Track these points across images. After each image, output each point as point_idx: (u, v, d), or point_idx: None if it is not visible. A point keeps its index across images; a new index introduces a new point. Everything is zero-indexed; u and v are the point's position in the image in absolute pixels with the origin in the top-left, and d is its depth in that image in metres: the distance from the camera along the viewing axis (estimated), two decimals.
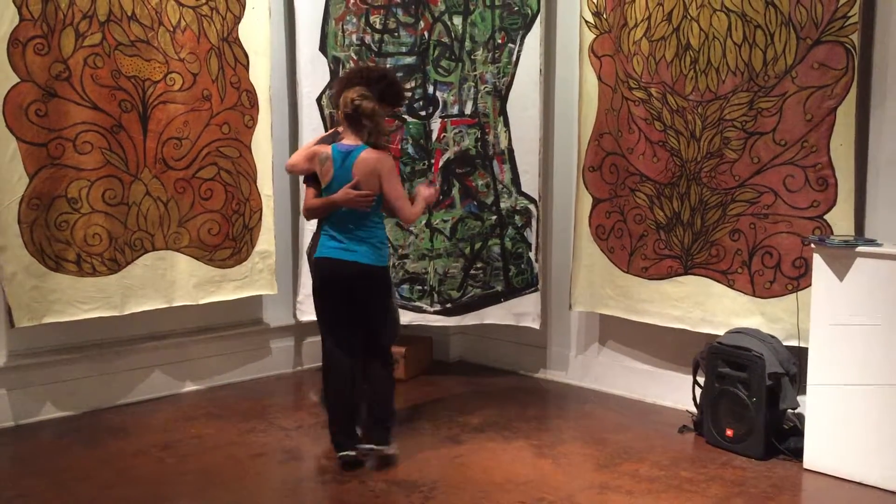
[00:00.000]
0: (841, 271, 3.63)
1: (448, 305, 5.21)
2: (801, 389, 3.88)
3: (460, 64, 5.13)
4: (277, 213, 5.21)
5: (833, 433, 3.68)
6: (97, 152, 4.43)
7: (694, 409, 4.32)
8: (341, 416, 3.83)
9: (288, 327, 5.47)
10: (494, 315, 5.21)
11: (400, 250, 5.19)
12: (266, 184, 5.11)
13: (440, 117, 5.14)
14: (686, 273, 4.49)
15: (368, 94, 3.72)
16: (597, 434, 4.26)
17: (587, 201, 4.88)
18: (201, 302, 4.91)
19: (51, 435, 4.24)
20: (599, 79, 4.76)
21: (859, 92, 3.86)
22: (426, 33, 5.15)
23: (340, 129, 3.98)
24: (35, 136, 4.22)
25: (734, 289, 4.30)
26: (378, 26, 5.17)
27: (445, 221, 5.16)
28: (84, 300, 4.43)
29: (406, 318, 5.21)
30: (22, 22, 4.14)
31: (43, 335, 4.42)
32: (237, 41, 4.95)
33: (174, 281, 4.78)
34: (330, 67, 5.21)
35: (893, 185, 3.87)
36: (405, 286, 5.22)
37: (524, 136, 5.07)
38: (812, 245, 3.75)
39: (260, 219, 5.12)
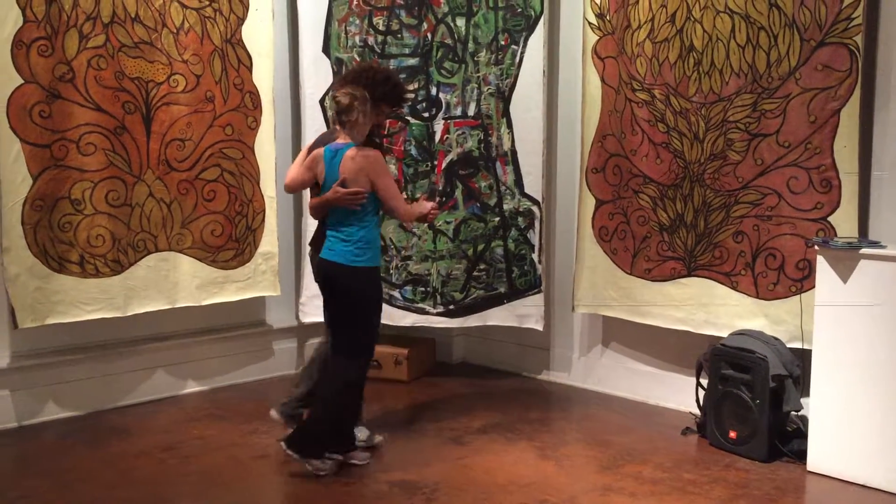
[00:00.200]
0: (845, 273, 3.63)
1: (451, 307, 5.20)
2: (805, 391, 3.87)
3: (463, 65, 5.13)
4: (280, 215, 5.21)
5: (837, 435, 3.67)
6: (101, 154, 4.44)
7: (697, 411, 4.31)
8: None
9: (291, 328, 5.47)
10: (497, 317, 5.21)
11: (403, 252, 5.19)
12: (269, 185, 5.12)
13: (443, 119, 5.14)
14: (689, 275, 4.48)
15: (351, 91, 3.67)
16: (600, 436, 4.26)
17: (590, 203, 4.87)
18: (204, 303, 4.92)
19: (54, 435, 4.25)
20: (603, 80, 4.76)
21: (863, 94, 3.85)
22: (429, 35, 5.15)
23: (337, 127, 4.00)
24: (39, 138, 4.23)
25: (737, 291, 4.29)
26: (381, 28, 5.18)
27: (448, 223, 5.16)
28: (87, 301, 4.43)
29: (409, 319, 5.21)
30: (26, 23, 4.15)
31: (46, 336, 4.42)
32: (240, 43, 4.96)
33: (177, 282, 4.79)
34: (333, 69, 5.21)
35: None
36: (408, 288, 5.22)
37: (527, 137, 5.07)
38: (816, 247, 3.74)
39: (263, 220, 5.12)
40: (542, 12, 4.96)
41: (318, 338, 5.55)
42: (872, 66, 3.90)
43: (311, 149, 3.93)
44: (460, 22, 5.11)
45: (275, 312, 5.43)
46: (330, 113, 5.18)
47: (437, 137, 5.15)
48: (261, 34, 5.04)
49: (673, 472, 3.75)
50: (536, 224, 5.10)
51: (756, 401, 3.88)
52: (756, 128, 4.15)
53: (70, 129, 4.32)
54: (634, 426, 4.42)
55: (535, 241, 5.12)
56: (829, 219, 3.96)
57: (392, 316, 5.18)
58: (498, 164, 5.13)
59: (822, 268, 3.69)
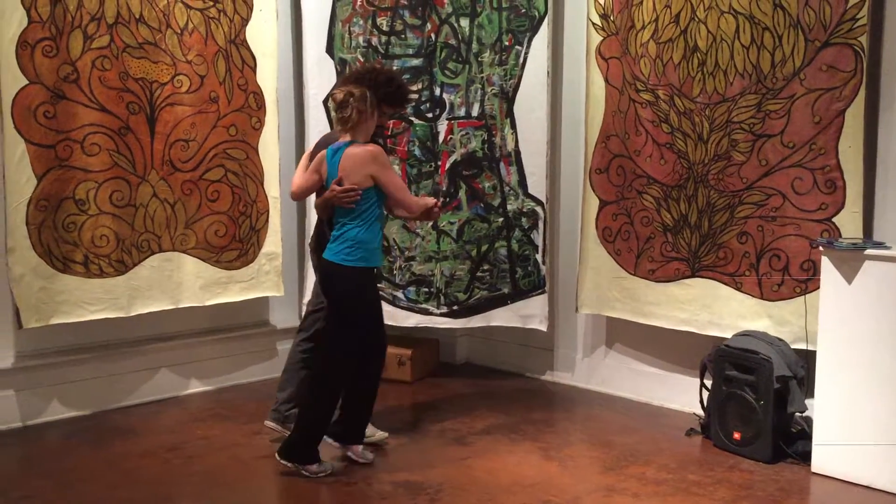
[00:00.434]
0: (849, 274, 3.62)
1: (455, 307, 5.20)
2: (809, 392, 3.86)
3: (467, 66, 5.13)
4: (284, 215, 5.21)
5: (841, 436, 3.66)
6: (105, 154, 4.44)
7: (701, 412, 4.31)
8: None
9: (294, 329, 5.45)
10: (501, 317, 5.20)
11: (407, 252, 5.19)
12: (273, 185, 5.12)
13: (447, 119, 5.14)
14: (693, 275, 4.47)
15: (348, 89, 3.65)
16: (603, 437, 4.25)
17: (594, 203, 4.87)
18: (208, 303, 4.92)
19: (58, 435, 4.25)
20: (606, 81, 4.75)
21: (868, 94, 3.85)
22: (433, 35, 5.15)
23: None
24: (43, 138, 4.24)
25: (742, 291, 4.28)
26: (385, 28, 5.18)
27: (452, 223, 5.16)
28: (91, 301, 4.44)
29: (412, 320, 5.21)
30: (30, 24, 4.16)
31: (50, 336, 4.43)
32: (244, 43, 4.96)
33: (181, 282, 4.79)
34: (337, 69, 5.22)
35: None
36: (412, 288, 5.22)
37: (531, 138, 5.07)
38: (820, 248, 3.73)
39: (267, 220, 5.13)
40: (545, 13, 4.96)
41: None
42: (877, 66, 3.89)
43: (313, 153, 3.94)
44: (464, 22, 5.11)
45: (278, 313, 5.43)
46: (333, 114, 5.19)
47: (441, 138, 5.15)
48: (265, 35, 5.04)
49: (677, 474, 3.75)
50: (540, 225, 5.10)
51: (760, 402, 3.87)
52: (760, 128, 4.15)
53: (74, 129, 4.33)
54: (638, 427, 4.41)
55: (539, 241, 5.12)
56: (834, 219, 3.95)
57: (395, 316, 5.18)
58: (502, 164, 5.13)
59: (827, 269, 3.68)
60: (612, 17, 4.69)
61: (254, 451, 4.02)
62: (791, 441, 3.92)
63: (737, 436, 3.98)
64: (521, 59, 5.05)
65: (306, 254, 5.28)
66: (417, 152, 5.16)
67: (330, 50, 5.22)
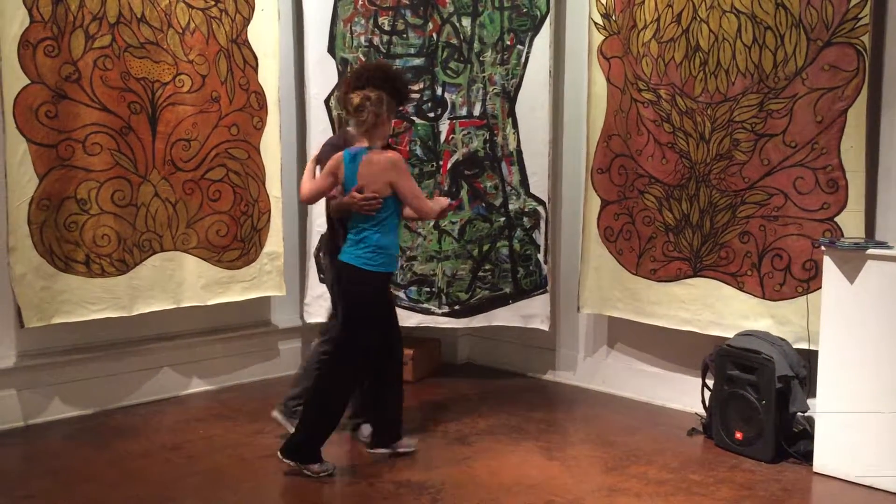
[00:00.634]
0: (851, 274, 3.62)
1: (456, 307, 5.20)
2: (811, 392, 3.86)
3: (469, 65, 5.13)
4: (286, 215, 5.21)
5: (843, 436, 3.65)
6: (106, 154, 4.44)
7: (703, 412, 4.30)
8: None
9: (296, 328, 5.48)
10: (503, 317, 5.20)
11: (408, 252, 5.19)
12: (274, 185, 5.12)
13: (448, 119, 5.13)
14: (695, 275, 4.47)
15: (365, 92, 3.66)
16: (605, 436, 4.25)
17: (596, 203, 4.86)
18: (209, 303, 4.92)
19: (60, 435, 4.26)
20: (608, 80, 4.75)
21: (870, 93, 3.84)
22: (435, 35, 5.15)
23: (350, 129, 3.99)
24: (45, 138, 4.24)
25: (744, 291, 4.28)
26: (386, 28, 5.18)
27: (454, 223, 5.16)
28: (93, 301, 4.44)
29: (414, 319, 5.20)
30: (32, 24, 4.16)
31: (52, 335, 4.43)
32: (246, 43, 4.96)
33: (182, 282, 4.79)
34: (338, 69, 5.21)
35: None
36: (413, 288, 5.22)
37: (533, 137, 5.07)
38: (822, 247, 3.73)
39: (268, 220, 5.13)
40: (547, 12, 4.96)
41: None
42: (879, 65, 3.89)
43: (319, 157, 3.94)
44: (466, 22, 5.11)
45: (280, 312, 5.43)
46: (335, 113, 5.19)
47: (443, 137, 5.15)
48: (266, 34, 5.04)
49: (679, 473, 3.75)
50: (542, 224, 5.10)
51: (762, 402, 3.87)
52: (762, 128, 4.14)
53: (76, 129, 4.33)
54: (640, 427, 4.41)
55: (541, 241, 5.11)
56: (836, 219, 3.95)
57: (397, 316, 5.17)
58: (503, 164, 5.13)
59: (829, 268, 3.68)
60: (613, 17, 4.69)
61: (255, 451, 4.02)
62: (793, 441, 3.91)
63: (739, 435, 3.97)
64: (523, 59, 5.05)
65: (308, 254, 5.28)
66: (419, 152, 5.15)
67: (331, 49, 5.22)
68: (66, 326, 4.42)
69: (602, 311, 4.94)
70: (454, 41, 5.13)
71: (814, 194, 4.01)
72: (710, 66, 4.30)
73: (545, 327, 5.13)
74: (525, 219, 5.11)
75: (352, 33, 5.19)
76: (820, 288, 3.79)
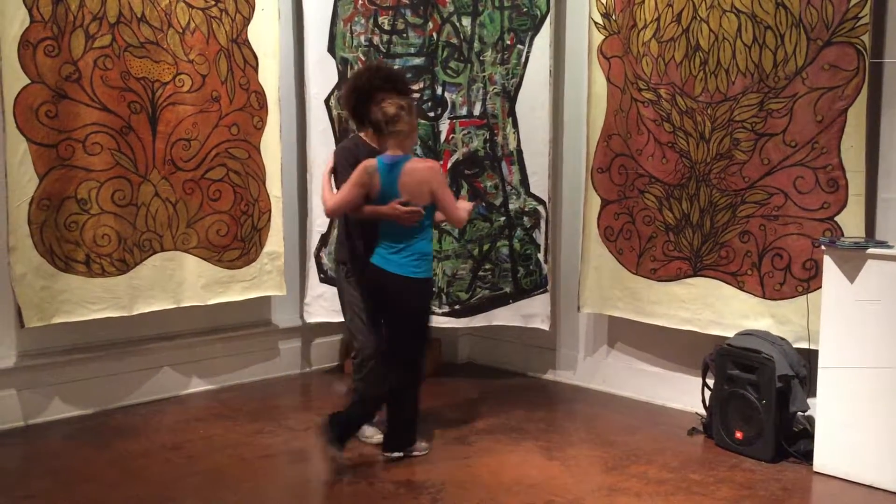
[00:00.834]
0: (851, 273, 3.61)
1: (456, 307, 5.20)
2: (811, 392, 3.86)
3: (469, 65, 5.13)
4: (286, 215, 5.21)
5: (843, 436, 3.65)
6: (106, 153, 4.44)
7: (703, 412, 4.30)
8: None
9: (296, 328, 5.48)
10: (503, 316, 5.20)
11: None
12: (275, 185, 5.12)
13: (449, 118, 5.13)
14: (695, 275, 4.47)
15: (398, 101, 3.71)
16: (605, 436, 4.25)
17: (596, 203, 4.86)
18: (209, 302, 4.92)
19: (60, 434, 4.26)
20: (608, 80, 4.75)
21: (870, 93, 3.84)
22: (435, 34, 5.15)
23: (363, 134, 4.03)
24: (45, 138, 4.24)
25: (744, 290, 4.28)
26: (386, 27, 5.18)
27: None
28: (93, 300, 4.44)
29: None
30: (32, 24, 4.16)
31: (52, 335, 4.43)
32: (246, 42, 4.96)
33: (182, 281, 4.79)
34: (338, 69, 5.22)
35: None
36: None
37: (533, 137, 5.07)
38: (822, 247, 3.73)
39: (269, 220, 5.12)
40: (547, 12, 4.96)
41: (321, 337, 5.58)
42: (879, 65, 3.88)
43: (335, 165, 3.94)
44: (466, 21, 5.11)
45: (280, 312, 5.43)
46: (335, 113, 5.19)
47: (443, 137, 5.15)
48: (266, 34, 5.04)
49: (679, 473, 3.75)
50: (542, 224, 5.10)
51: (762, 401, 3.87)
52: (762, 127, 4.14)
53: (76, 128, 4.33)
54: (640, 426, 4.41)
55: (541, 240, 5.11)
56: (836, 218, 3.95)
57: None
58: (503, 163, 5.13)
59: (829, 268, 3.68)
60: (613, 16, 4.69)
61: (255, 451, 4.02)
62: (793, 440, 3.91)
63: (739, 435, 3.97)
64: (523, 58, 5.05)
65: (308, 253, 5.28)
66: (419, 151, 5.15)
67: (331, 49, 5.22)
68: (67, 326, 4.42)
69: (602, 311, 4.94)
70: (454, 41, 5.13)
71: (814, 194, 4.01)
72: (711, 66, 4.30)
73: (545, 327, 5.13)
74: (525, 218, 5.11)
75: (352, 33, 5.19)
76: (820, 287, 3.79)
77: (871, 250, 3.58)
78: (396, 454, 3.88)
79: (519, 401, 4.86)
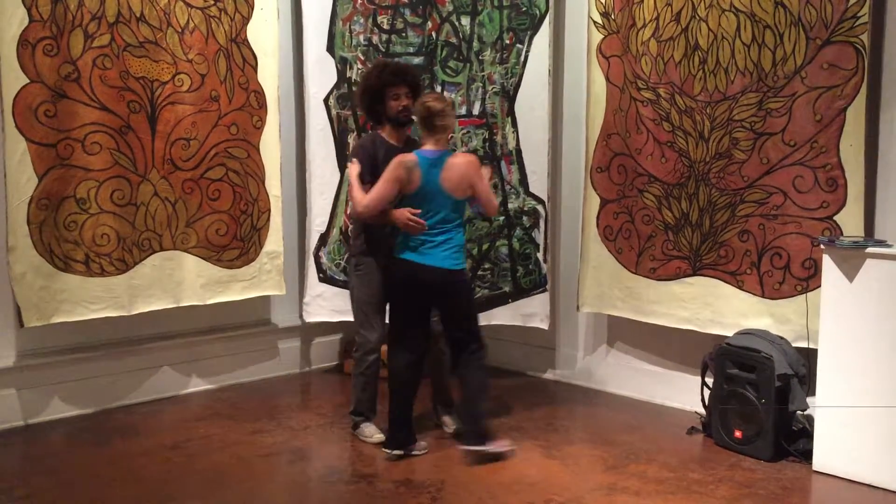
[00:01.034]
0: (851, 272, 3.62)
1: None
2: (811, 391, 3.86)
3: (468, 64, 5.13)
4: (285, 214, 5.21)
5: (843, 435, 3.66)
6: (106, 153, 4.44)
7: (702, 411, 4.31)
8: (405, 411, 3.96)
9: (295, 328, 5.48)
10: (502, 316, 5.20)
11: None
12: (274, 184, 5.12)
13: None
14: (694, 274, 4.47)
15: (441, 96, 3.80)
16: (605, 435, 4.25)
17: (595, 202, 4.87)
18: (209, 302, 4.92)
19: (60, 434, 4.26)
20: (607, 79, 4.75)
21: (869, 92, 3.84)
22: (434, 34, 5.15)
23: (382, 132, 4.07)
24: (44, 137, 4.24)
25: (743, 290, 4.28)
26: (385, 27, 5.17)
27: None
28: (92, 300, 4.44)
29: None
30: (31, 23, 4.16)
31: (52, 335, 4.43)
32: (245, 42, 4.96)
33: (182, 281, 4.79)
34: (337, 68, 5.21)
35: None
36: None
37: (532, 136, 5.07)
38: (822, 246, 3.73)
39: (268, 219, 5.12)
40: (546, 11, 4.96)
41: (321, 337, 5.58)
42: (878, 64, 3.89)
43: (362, 166, 3.96)
44: (465, 21, 5.11)
45: (279, 312, 5.43)
46: (334, 112, 5.19)
47: None
48: (265, 33, 5.04)
49: (678, 472, 3.75)
50: (541, 223, 5.10)
51: (762, 400, 3.87)
52: (761, 127, 4.14)
53: (75, 128, 4.33)
54: (640, 425, 4.41)
55: (540, 240, 5.11)
56: (836, 218, 3.95)
57: None
58: (503, 163, 5.13)
59: (828, 267, 3.68)
60: (613, 16, 4.69)
61: (255, 450, 4.02)
62: (792, 439, 3.92)
63: (738, 434, 3.98)
64: (522, 58, 5.05)
65: (307, 253, 5.28)
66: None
67: (330, 48, 5.22)
68: (66, 326, 4.42)
69: (601, 310, 4.95)
70: (453, 40, 5.13)
71: (813, 193, 4.01)
72: (710, 65, 4.30)
73: (545, 326, 5.14)
74: (524, 218, 5.11)
75: (351, 32, 5.19)
76: (819, 286, 3.80)
77: (870, 249, 3.58)
78: (397, 452, 3.88)
79: (518, 400, 4.86)
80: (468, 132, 5.14)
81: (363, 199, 3.82)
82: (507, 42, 5.06)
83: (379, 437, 4.07)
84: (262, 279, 5.13)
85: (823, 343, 3.72)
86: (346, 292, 5.32)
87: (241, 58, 4.95)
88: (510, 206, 5.13)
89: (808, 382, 3.91)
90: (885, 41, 3.87)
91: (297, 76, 5.32)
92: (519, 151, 5.10)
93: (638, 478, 3.68)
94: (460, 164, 3.80)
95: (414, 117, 3.89)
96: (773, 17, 4.06)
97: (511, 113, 5.09)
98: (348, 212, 5.28)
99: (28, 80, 4.17)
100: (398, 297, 3.93)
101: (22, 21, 4.13)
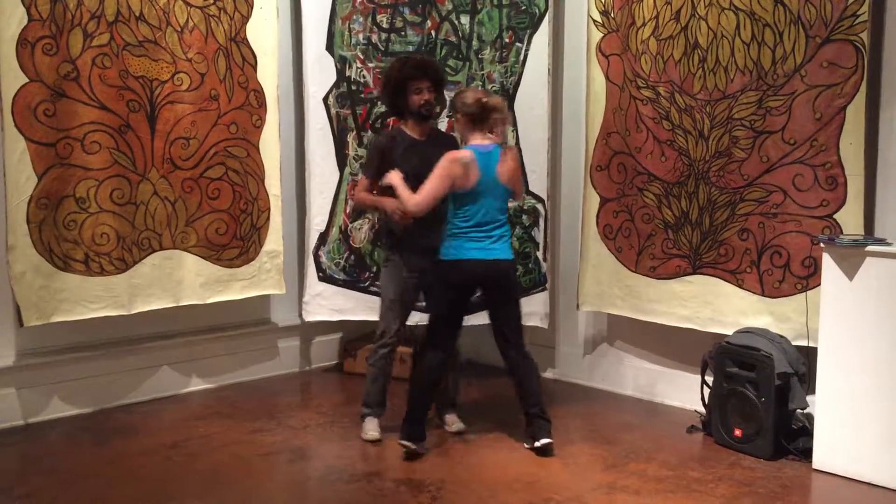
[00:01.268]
0: (850, 271, 3.62)
1: None
2: (811, 389, 3.86)
3: (468, 63, 5.13)
4: (285, 213, 5.21)
5: (843, 433, 3.66)
6: (105, 152, 4.44)
7: (702, 409, 4.31)
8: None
9: (295, 327, 5.48)
10: None
11: None
12: (274, 183, 5.12)
13: (447, 117, 5.12)
14: (694, 272, 4.47)
15: (485, 90, 3.87)
16: (605, 434, 4.25)
17: (595, 201, 4.86)
18: (209, 301, 4.92)
19: (60, 433, 4.26)
20: (607, 78, 4.75)
21: (869, 90, 3.84)
22: (433, 32, 5.15)
23: (404, 127, 4.10)
24: (43, 136, 4.23)
25: (743, 288, 4.28)
26: (385, 25, 5.17)
27: None
28: (92, 299, 4.44)
29: (414, 318, 5.19)
30: (31, 22, 4.15)
31: (51, 334, 4.43)
32: (245, 41, 4.96)
33: (181, 280, 4.79)
34: (337, 67, 5.21)
35: None
36: None
37: (532, 135, 5.06)
38: (821, 244, 3.73)
39: (268, 218, 5.12)
40: (546, 10, 4.96)
41: (321, 336, 5.58)
42: (878, 62, 3.88)
43: (368, 163, 4.07)
44: (464, 19, 5.11)
45: (279, 311, 5.43)
46: (337, 111, 5.19)
47: None
48: (265, 32, 5.03)
49: (678, 471, 3.75)
50: (541, 222, 5.10)
51: (761, 399, 3.87)
52: (761, 125, 4.14)
53: (75, 127, 4.33)
54: (639, 424, 4.41)
55: (540, 239, 5.11)
56: (835, 216, 3.95)
57: None
58: None
59: (828, 265, 3.68)
60: (612, 14, 4.69)
61: (255, 449, 4.02)
62: (792, 438, 3.92)
63: (738, 433, 3.98)
64: (522, 57, 5.04)
65: (307, 252, 5.28)
66: None
67: (330, 47, 5.21)
68: (66, 325, 4.42)
69: (601, 309, 4.95)
70: (453, 39, 5.13)
71: (813, 191, 4.01)
72: (709, 64, 4.30)
73: (544, 325, 5.13)
74: (524, 216, 5.11)
75: (350, 31, 5.19)
76: (819, 285, 3.79)
77: (869, 248, 3.58)
78: (413, 444, 3.86)
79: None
80: None
81: (411, 197, 3.79)
82: (507, 41, 5.06)
83: (374, 434, 4.07)
84: (261, 278, 5.13)
85: (823, 341, 3.72)
86: (346, 291, 5.37)
87: (241, 57, 4.94)
88: (510, 204, 5.11)
89: (807, 381, 3.91)
90: (884, 39, 3.87)
91: (297, 75, 5.31)
92: (518, 150, 5.09)
93: (638, 476, 3.68)
94: (511, 157, 3.91)
95: (458, 113, 3.87)
96: (773, 15, 4.06)
97: (510, 112, 5.09)
98: (347, 211, 5.28)
99: (27, 80, 4.16)
100: (451, 297, 3.89)
101: (21, 20, 4.12)
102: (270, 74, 5.07)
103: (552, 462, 3.87)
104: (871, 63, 3.83)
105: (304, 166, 5.27)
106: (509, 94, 5.07)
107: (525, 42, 5.03)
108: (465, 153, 3.79)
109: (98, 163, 4.42)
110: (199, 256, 4.86)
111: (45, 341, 4.45)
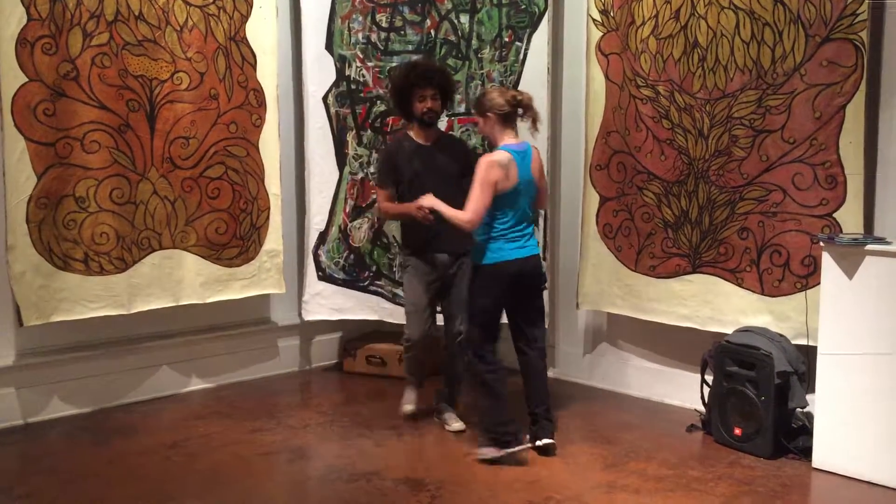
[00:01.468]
0: (850, 270, 3.62)
1: None
2: (810, 388, 3.86)
3: (467, 62, 5.12)
4: (284, 213, 5.21)
5: (842, 432, 3.66)
6: (105, 151, 4.44)
7: (702, 408, 4.31)
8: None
9: (294, 326, 5.48)
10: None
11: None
12: (274, 183, 5.12)
13: (447, 116, 5.12)
14: (694, 271, 4.47)
15: (510, 88, 3.86)
16: (605, 433, 4.25)
17: (594, 200, 4.86)
18: (208, 301, 4.92)
19: (59, 433, 4.26)
20: (607, 77, 4.75)
21: (869, 89, 3.84)
22: (433, 31, 5.15)
23: (410, 130, 4.16)
24: (43, 136, 4.23)
25: (743, 287, 4.28)
26: (384, 24, 5.17)
27: None
28: (92, 299, 4.44)
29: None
30: (30, 22, 4.15)
31: (51, 334, 4.43)
32: (244, 40, 4.95)
33: (181, 280, 4.79)
34: (336, 66, 5.21)
35: None
36: None
37: (531, 134, 5.05)
38: (821, 243, 3.73)
39: (268, 218, 5.12)
40: (545, 9, 4.95)
41: (320, 335, 5.58)
42: (878, 61, 3.88)
43: (378, 172, 4.14)
44: (464, 18, 5.11)
45: (279, 310, 5.43)
46: (336, 110, 5.19)
47: None
48: (264, 31, 5.03)
49: (678, 469, 3.75)
50: (540, 221, 5.09)
51: (761, 398, 3.87)
52: (761, 124, 4.14)
53: (74, 126, 4.33)
54: (639, 423, 4.41)
55: (539, 238, 5.10)
56: (835, 215, 3.95)
57: (396, 314, 5.18)
58: None
59: (828, 264, 3.68)
60: (612, 13, 4.69)
61: (255, 448, 4.02)
62: (792, 437, 3.92)
63: (738, 431, 3.98)
64: (521, 56, 5.04)
65: (307, 251, 5.28)
66: None
67: (329, 46, 5.22)
68: (65, 325, 4.42)
69: (601, 308, 4.95)
70: (452, 38, 5.13)
71: (812, 190, 4.01)
72: (709, 63, 4.30)
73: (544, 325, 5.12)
74: None
75: (349, 30, 5.19)
76: (819, 284, 3.79)
77: (869, 247, 3.58)
78: (521, 447, 3.84)
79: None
80: (467, 130, 5.14)
81: (460, 214, 3.73)
82: (506, 40, 5.06)
83: (409, 408, 4.31)
84: (261, 278, 5.13)
85: (823, 340, 3.72)
86: (345, 291, 5.37)
87: (240, 56, 4.94)
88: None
89: (807, 380, 3.91)
90: (884, 38, 3.86)
91: (296, 74, 5.31)
92: None
93: (637, 475, 3.69)
94: (537, 155, 3.94)
95: (489, 113, 3.82)
96: (773, 14, 4.06)
97: None
98: (347, 210, 5.28)
99: (27, 79, 4.16)
100: (499, 301, 3.87)
101: (20, 19, 4.12)
102: (270, 74, 5.07)
103: (552, 461, 3.87)
104: (870, 62, 3.83)
105: (304, 165, 5.28)
106: None
107: (524, 41, 5.03)
108: (500, 155, 3.75)
109: (97, 162, 4.42)
110: (199, 256, 4.86)
111: (45, 341, 4.45)
